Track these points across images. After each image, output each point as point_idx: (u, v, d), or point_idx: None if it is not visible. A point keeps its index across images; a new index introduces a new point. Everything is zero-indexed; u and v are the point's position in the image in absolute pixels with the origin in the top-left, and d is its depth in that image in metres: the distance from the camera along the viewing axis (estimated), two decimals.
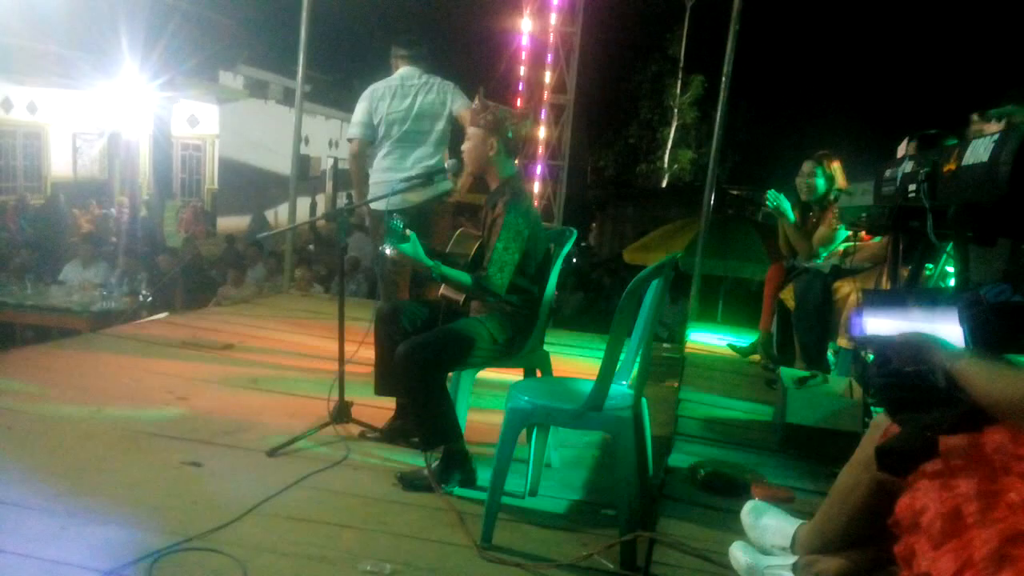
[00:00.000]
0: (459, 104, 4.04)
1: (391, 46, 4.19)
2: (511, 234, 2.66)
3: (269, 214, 18.36)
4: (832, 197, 4.16)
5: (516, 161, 2.90)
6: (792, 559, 1.76)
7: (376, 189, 4.07)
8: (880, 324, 1.73)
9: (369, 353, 2.98)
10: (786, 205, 4.21)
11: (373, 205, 3.97)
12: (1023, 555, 1.14)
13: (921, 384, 1.51)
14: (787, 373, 3.27)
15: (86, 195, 14.76)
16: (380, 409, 3.15)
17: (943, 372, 1.40)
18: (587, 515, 2.58)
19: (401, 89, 4.04)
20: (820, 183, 4.16)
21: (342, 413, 3.06)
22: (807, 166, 4.20)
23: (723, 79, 5.48)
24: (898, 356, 1.51)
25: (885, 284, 3.03)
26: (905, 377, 1.54)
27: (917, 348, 1.46)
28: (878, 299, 2.43)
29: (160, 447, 2.83)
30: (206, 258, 10.20)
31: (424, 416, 2.67)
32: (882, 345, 1.60)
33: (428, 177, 3.56)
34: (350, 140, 4.17)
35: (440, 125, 4.06)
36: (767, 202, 4.25)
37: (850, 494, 1.60)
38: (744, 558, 1.85)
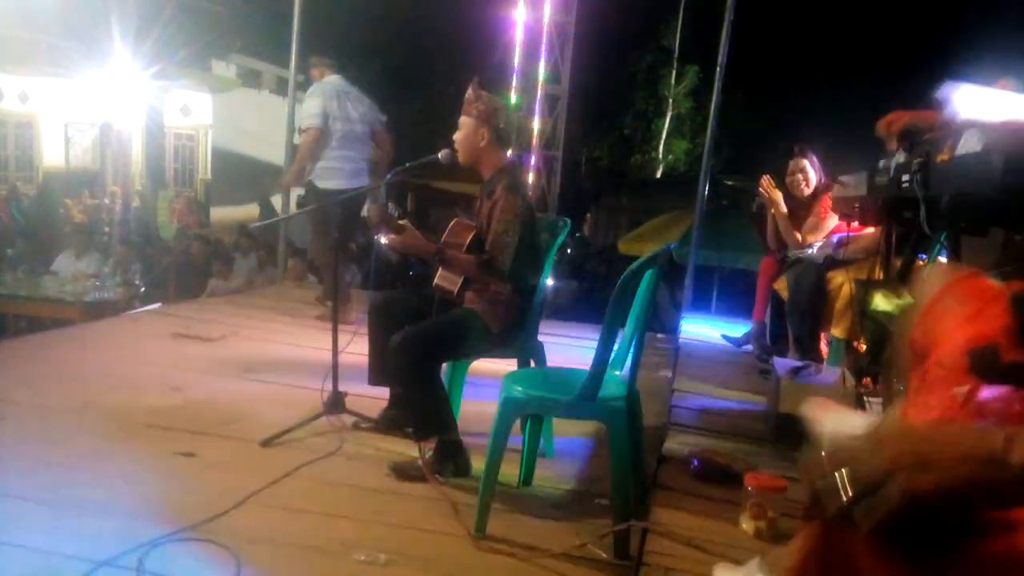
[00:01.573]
0: (379, 123, 5.13)
1: (310, 56, 5.13)
2: (509, 216, 2.67)
3: None
4: (822, 187, 4.19)
5: (509, 151, 2.90)
6: None
7: (328, 171, 4.90)
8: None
9: (363, 343, 2.98)
10: (778, 195, 4.22)
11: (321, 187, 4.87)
12: None
13: None
14: (780, 363, 3.28)
15: (78, 185, 14.64)
16: (374, 399, 3.15)
17: None
18: (581, 504, 2.59)
19: (345, 95, 4.96)
20: (812, 175, 4.21)
21: (336, 403, 3.06)
22: (799, 163, 4.23)
23: (718, 69, 5.47)
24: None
25: (878, 275, 3.04)
26: None
27: None
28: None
29: (154, 437, 2.83)
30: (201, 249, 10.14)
31: (418, 406, 2.68)
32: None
33: (422, 166, 3.65)
34: (308, 128, 4.87)
35: (367, 128, 5.04)
36: (761, 188, 4.27)
37: None
38: None
